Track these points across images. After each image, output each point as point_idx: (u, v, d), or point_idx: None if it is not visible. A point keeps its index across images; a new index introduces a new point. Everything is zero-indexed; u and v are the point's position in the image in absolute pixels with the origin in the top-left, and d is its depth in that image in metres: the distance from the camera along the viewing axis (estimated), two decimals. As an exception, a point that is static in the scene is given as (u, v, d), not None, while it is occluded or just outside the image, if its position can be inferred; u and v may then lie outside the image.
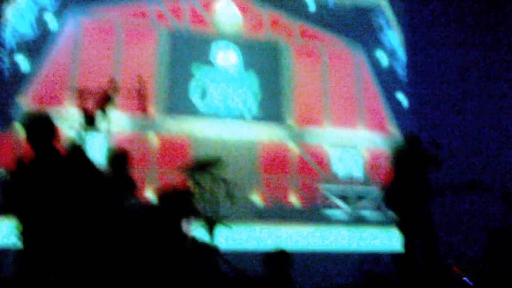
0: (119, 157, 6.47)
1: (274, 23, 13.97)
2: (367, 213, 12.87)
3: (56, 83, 11.91)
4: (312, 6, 14.32)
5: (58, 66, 12.06)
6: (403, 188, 7.67)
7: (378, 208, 12.86)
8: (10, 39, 11.76)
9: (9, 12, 11.51)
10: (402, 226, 7.71)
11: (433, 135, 11.82)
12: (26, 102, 11.46)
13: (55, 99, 11.71)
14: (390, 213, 12.34)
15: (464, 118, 12.57)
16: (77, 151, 4.12)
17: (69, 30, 12.33)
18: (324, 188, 12.93)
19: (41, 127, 4.09)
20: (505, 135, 12.23)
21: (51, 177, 3.97)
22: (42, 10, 12.23)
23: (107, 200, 5.36)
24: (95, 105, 4.23)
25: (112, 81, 4.41)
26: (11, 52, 11.73)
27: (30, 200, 3.95)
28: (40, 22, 12.18)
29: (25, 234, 3.96)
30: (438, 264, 7.33)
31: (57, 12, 12.34)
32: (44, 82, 11.83)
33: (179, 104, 12.68)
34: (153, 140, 12.20)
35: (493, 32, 12.75)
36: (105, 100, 4.33)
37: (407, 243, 7.56)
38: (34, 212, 3.96)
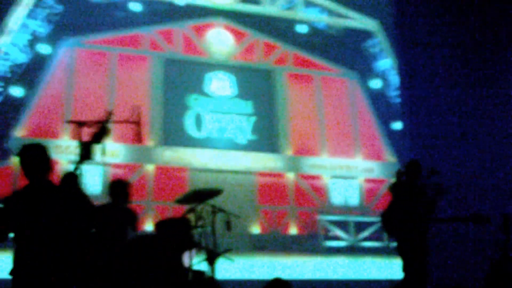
0: (120, 188, 6.36)
1: (267, 50, 14.01)
2: (367, 243, 12.76)
3: (52, 114, 11.88)
4: (303, 29, 14.37)
5: (53, 96, 12.03)
6: (400, 212, 7.59)
7: (377, 237, 12.76)
8: (3, 67, 11.72)
9: (3, 42, 11.46)
10: (401, 250, 7.63)
11: (430, 160, 11.78)
12: (22, 134, 11.37)
13: (50, 131, 11.64)
14: (390, 241, 12.29)
15: (461, 140, 12.50)
16: (70, 180, 4.04)
17: (63, 59, 12.30)
18: (323, 218, 12.82)
19: (35, 157, 4.02)
20: (505, 157, 12.15)
21: (43, 205, 3.91)
22: (34, 35, 12.20)
23: (102, 230, 5.24)
24: (91, 136, 4.13)
25: (108, 112, 4.32)
26: (5, 82, 11.68)
27: (20, 226, 3.92)
28: (32, 47, 12.14)
29: (15, 262, 3.93)
30: None
31: (49, 37, 12.31)
32: (39, 113, 11.78)
33: (175, 135, 12.64)
34: (150, 170, 12.11)
35: (490, 53, 12.74)
36: (101, 131, 4.23)
37: (405, 267, 7.47)
38: (24, 238, 3.91)
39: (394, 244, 7.90)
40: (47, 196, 3.98)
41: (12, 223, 3.94)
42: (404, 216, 7.50)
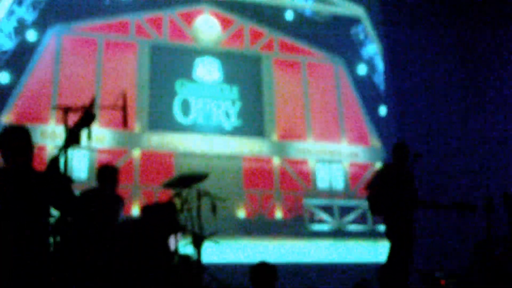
0: (107, 173, 6.43)
1: (254, 36, 14.07)
2: (352, 226, 12.90)
3: (39, 100, 11.88)
4: (289, 16, 14.43)
5: (40, 82, 12.03)
6: (389, 195, 7.69)
7: (362, 221, 12.91)
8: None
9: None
10: (389, 234, 7.73)
11: (414, 144, 11.91)
12: (8, 120, 11.40)
13: (37, 116, 11.67)
14: (375, 225, 12.44)
15: (444, 124, 12.62)
16: (53, 164, 4.10)
17: (50, 45, 12.30)
18: (308, 202, 12.95)
19: (19, 140, 4.07)
20: (488, 140, 12.28)
21: (22, 187, 3.96)
22: (20, 21, 12.18)
23: (89, 214, 5.33)
24: (77, 121, 4.20)
25: (92, 97, 4.40)
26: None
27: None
28: (19, 33, 12.13)
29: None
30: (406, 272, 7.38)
31: (35, 23, 12.29)
32: (26, 98, 11.79)
33: (162, 119, 12.69)
34: (137, 155, 12.17)
35: (473, 39, 12.84)
36: (86, 116, 4.30)
37: (393, 250, 7.58)
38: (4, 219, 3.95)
39: (380, 227, 8.04)
40: (28, 180, 4.03)
41: None
42: (393, 200, 7.63)
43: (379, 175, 8.05)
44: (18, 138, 4.15)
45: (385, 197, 7.61)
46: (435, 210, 8.64)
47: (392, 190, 7.63)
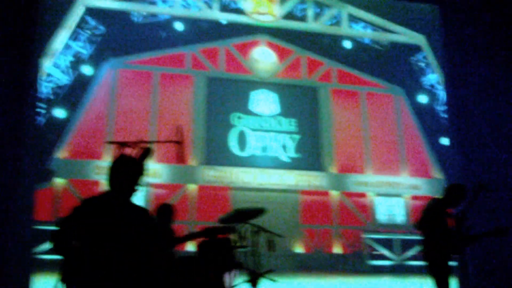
0: (164, 210, 6.37)
1: (312, 66, 13.96)
2: (413, 262, 12.51)
3: (94, 135, 11.94)
4: (348, 45, 14.32)
5: (95, 117, 12.13)
6: (437, 232, 7.46)
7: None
8: (46, 90, 11.83)
9: (46, 64, 11.55)
10: (433, 270, 7.52)
11: (478, 176, 11.48)
12: (64, 156, 11.45)
13: (92, 151, 11.71)
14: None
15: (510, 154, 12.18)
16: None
17: (105, 80, 12.40)
18: (368, 236, 12.64)
19: (130, 169, 4.03)
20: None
21: (124, 220, 3.90)
22: (76, 56, 12.32)
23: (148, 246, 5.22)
24: (139, 156, 4.14)
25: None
26: (48, 104, 11.78)
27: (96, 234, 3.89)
28: (75, 69, 12.25)
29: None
30: None
31: (91, 58, 12.42)
32: (81, 134, 11.87)
33: (218, 153, 12.63)
34: (193, 190, 12.09)
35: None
36: (144, 152, 4.22)
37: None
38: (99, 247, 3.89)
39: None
40: (129, 211, 3.97)
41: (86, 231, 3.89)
42: (439, 237, 7.35)
43: (427, 209, 7.84)
44: (133, 168, 4.12)
45: (434, 235, 7.39)
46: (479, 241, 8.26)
47: (440, 228, 7.41)
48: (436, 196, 7.76)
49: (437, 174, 13.51)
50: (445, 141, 13.54)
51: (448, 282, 7.30)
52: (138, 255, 3.92)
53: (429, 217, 7.52)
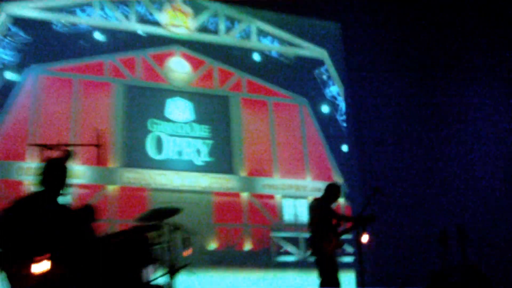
0: (86, 210, 6.69)
1: (223, 76, 14.63)
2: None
3: (16, 137, 12.14)
4: (257, 57, 15.08)
5: (19, 121, 12.35)
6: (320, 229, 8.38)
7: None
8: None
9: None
10: (320, 265, 8.42)
11: (375, 180, 12.58)
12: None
13: (16, 154, 11.98)
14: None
15: (402, 160, 13.19)
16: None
17: (29, 86, 12.64)
18: (275, 234, 13.39)
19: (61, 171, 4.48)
20: (445, 175, 12.86)
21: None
22: (1, 63, 12.52)
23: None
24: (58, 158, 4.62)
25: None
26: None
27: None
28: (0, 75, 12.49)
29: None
30: None
31: (16, 65, 12.64)
32: (5, 137, 12.12)
33: (137, 157, 13.13)
34: (114, 191, 12.63)
35: (432, 76, 13.46)
36: (66, 154, 4.73)
37: (324, 281, 8.25)
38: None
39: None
40: (58, 210, 4.45)
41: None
42: (323, 232, 8.32)
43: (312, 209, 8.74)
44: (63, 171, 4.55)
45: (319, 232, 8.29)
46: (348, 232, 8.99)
47: (323, 225, 8.34)
48: (317, 196, 8.73)
49: (338, 178, 14.44)
50: (345, 148, 14.51)
51: (335, 277, 8.26)
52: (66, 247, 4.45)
53: (315, 216, 8.50)
